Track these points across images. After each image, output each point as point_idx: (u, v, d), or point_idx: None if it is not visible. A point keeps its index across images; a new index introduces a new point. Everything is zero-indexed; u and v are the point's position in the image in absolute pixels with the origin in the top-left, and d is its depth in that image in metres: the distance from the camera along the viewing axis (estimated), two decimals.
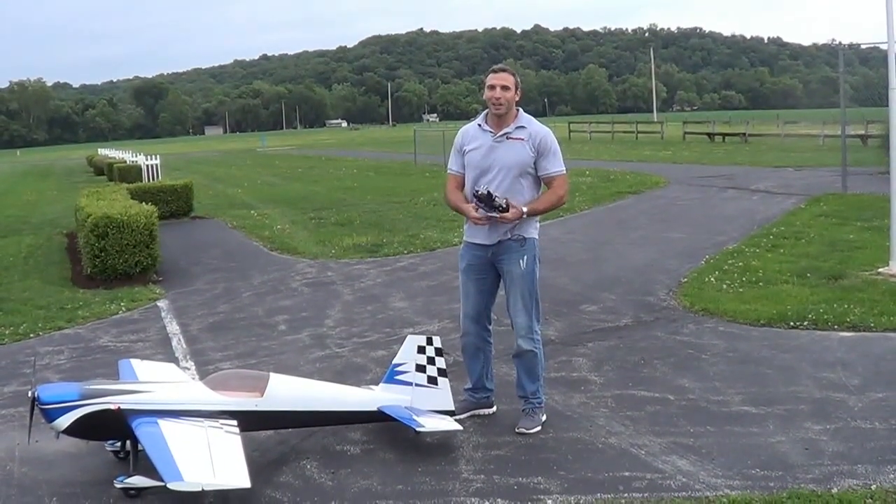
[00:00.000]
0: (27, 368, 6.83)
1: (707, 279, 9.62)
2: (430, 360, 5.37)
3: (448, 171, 5.67)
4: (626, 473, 4.71)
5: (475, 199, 5.26)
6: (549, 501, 4.44)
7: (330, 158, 46.90)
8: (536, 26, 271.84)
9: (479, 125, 5.51)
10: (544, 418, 5.53)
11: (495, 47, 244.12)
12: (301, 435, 5.40)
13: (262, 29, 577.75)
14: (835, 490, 4.36)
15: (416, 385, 5.34)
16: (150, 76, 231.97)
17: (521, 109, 5.49)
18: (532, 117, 5.53)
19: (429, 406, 5.31)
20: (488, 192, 5.19)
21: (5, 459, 5.30)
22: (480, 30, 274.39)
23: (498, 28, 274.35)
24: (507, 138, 5.39)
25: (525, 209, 5.32)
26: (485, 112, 5.56)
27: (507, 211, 5.22)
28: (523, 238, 5.42)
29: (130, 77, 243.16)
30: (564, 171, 5.52)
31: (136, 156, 31.10)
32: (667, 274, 10.20)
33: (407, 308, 9.18)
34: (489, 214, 5.27)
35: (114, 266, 11.19)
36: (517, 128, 5.41)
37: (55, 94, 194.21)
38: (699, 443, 5.09)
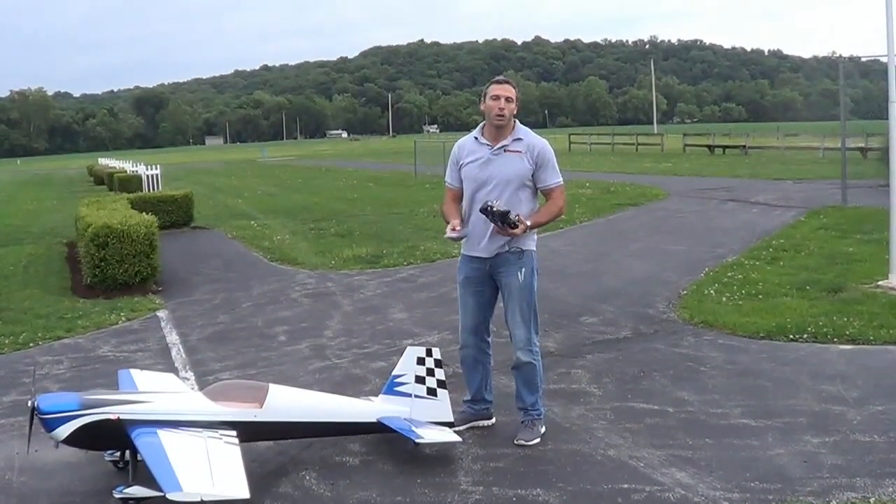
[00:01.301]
0: (27, 378, 6.83)
1: (706, 291, 9.63)
2: (430, 372, 5.38)
3: (445, 184, 5.70)
4: (625, 486, 4.71)
5: (489, 215, 5.21)
6: None
7: (330, 169, 46.96)
8: (537, 38, 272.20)
9: (476, 138, 5.53)
10: (543, 430, 5.53)
11: (496, 59, 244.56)
12: (300, 446, 5.40)
13: (263, 39, 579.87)
14: (833, 503, 4.37)
15: (416, 396, 5.35)
16: (150, 86, 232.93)
17: (517, 121, 5.51)
18: (528, 129, 5.55)
19: (428, 417, 5.31)
20: (508, 210, 5.18)
21: (5, 469, 5.30)
22: (481, 41, 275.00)
23: (498, 39, 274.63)
24: (505, 151, 5.40)
25: (529, 222, 5.33)
26: (481, 125, 5.57)
27: (517, 227, 5.23)
28: (521, 250, 5.43)
29: (131, 87, 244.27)
30: (562, 182, 5.55)
31: (137, 165, 31.11)
32: (666, 286, 10.20)
33: (406, 319, 9.18)
34: (458, 233, 5.35)
35: (114, 276, 11.20)
36: (514, 140, 5.43)
37: (56, 104, 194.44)
38: (698, 455, 5.09)
